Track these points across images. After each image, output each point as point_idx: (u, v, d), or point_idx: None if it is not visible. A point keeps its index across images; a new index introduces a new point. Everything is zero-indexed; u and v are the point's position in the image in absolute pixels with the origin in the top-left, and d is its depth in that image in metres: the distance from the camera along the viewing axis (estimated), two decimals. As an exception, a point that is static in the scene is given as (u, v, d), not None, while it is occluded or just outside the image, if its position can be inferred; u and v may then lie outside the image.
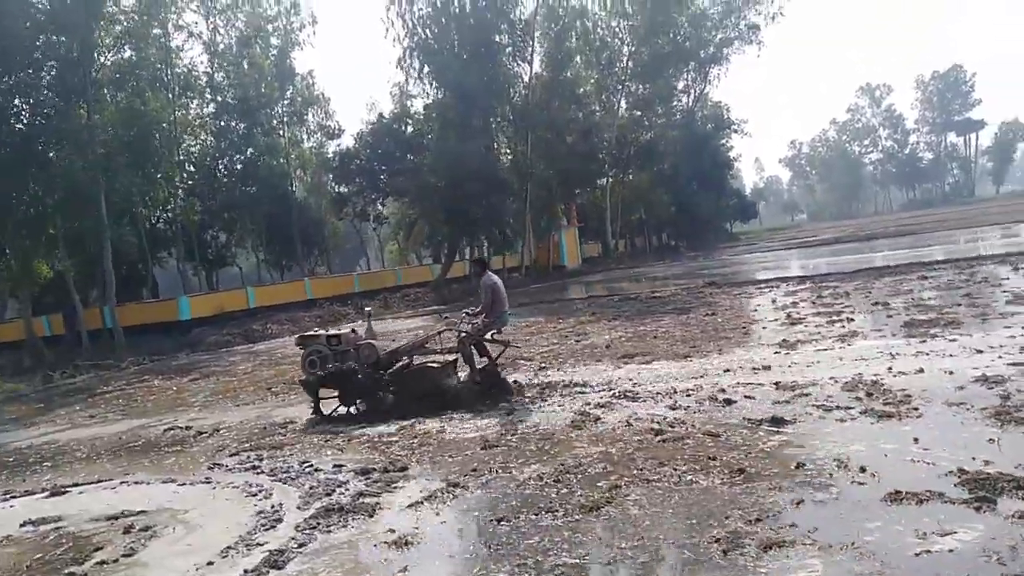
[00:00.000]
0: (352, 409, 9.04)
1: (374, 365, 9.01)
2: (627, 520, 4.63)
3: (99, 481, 7.59)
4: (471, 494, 5.56)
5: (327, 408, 9.10)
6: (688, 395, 7.76)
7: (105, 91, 24.52)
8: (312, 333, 9.86)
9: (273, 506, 5.88)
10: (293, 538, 5.09)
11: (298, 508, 5.77)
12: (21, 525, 6.29)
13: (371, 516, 5.35)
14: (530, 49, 38.87)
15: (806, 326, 11.66)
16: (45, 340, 25.34)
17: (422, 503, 5.47)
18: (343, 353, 9.12)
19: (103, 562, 5.12)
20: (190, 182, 36.58)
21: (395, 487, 5.96)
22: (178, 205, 34.56)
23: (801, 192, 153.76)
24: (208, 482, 6.97)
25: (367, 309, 10.52)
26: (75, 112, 22.48)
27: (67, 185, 21.70)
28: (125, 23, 25.73)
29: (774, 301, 15.61)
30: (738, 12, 51.99)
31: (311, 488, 6.23)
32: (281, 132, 38.95)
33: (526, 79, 39.41)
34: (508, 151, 39.48)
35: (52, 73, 23.38)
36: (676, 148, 52.38)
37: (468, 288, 34.59)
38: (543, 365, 11.05)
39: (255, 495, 6.32)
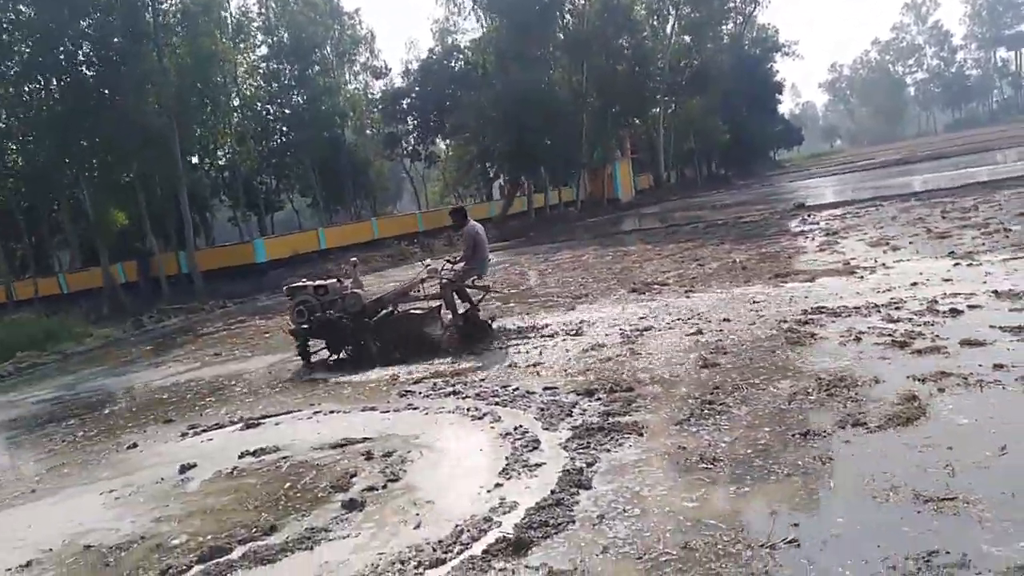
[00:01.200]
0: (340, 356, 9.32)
1: (359, 313, 9.19)
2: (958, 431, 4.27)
3: (288, 412, 7.42)
4: (738, 411, 5.22)
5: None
6: (897, 308, 7.31)
7: (173, 34, 24.00)
8: (300, 284, 9.84)
9: (517, 427, 5.62)
10: (572, 458, 4.81)
11: (545, 429, 5.50)
12: (240, 456, 6.13)
13: (641, 435, 5.05)
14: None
15: (960, 239, 11.08)
16: (120, 287, 25.48)
17: (689, 420, 5.16)
18: (330, 302, 9.27)
19: (372, 488, 4.90)
20: (239, 128, 36.19)
21: (637, 406, 5.65)
22: (233, 150, 34.31)
23: (838, 117, 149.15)
24: (415, 408, 6.74)
25: (352, 259, 10.50)
26: (147, 55, 22.02)
27: (143, 130, 21.42)
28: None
29: (894, 218, 14.96)
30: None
31: (541, 410, 5.96)
32: (332, 73, 38.05)
33: (579, 4, 38.04)
34: (562, 82, 38.32)
35: (118, 19, 22.91)
36: (726, 74, 50.59)
37: (527, 224, 34.21)
38: (689, 288, 10.64)
39: (480, 418, 6.08)
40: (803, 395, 5.23)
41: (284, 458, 5.93)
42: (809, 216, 18.45)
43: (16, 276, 29.90)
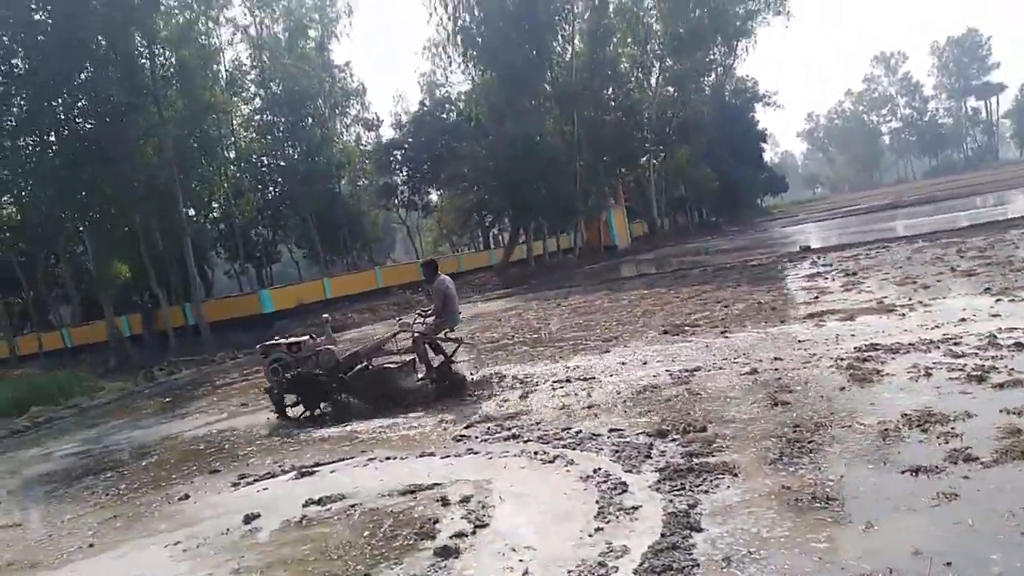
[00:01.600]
0: (315, 412, 9.43)
1: (334, 369, 9.30)
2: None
3: (340, 460, 7.23)
4: (831, 449, 5.11)
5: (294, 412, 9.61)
6: (955, 343, 7.29)
7: (170, 87, 24.19)
8: (273, 342, 10.05)
9: (596, 470, 5.48)
10: (670, 500, 4.69)
11: (628, 472, 5.37)
12: (305, 505, 5.93)
13: (735, 475, 4.93)
14: (571, 27, 38.32)
15: (988, 276, 11.18)
16: (125, 340, 25.12)
17: (780, 459, 5.05)
18: (304, 359, 9.42)
19: (461, 534, 4.73)
20: (235, 180, 36.30)
21: (719, 447, 5.54)
22: (229, 202, 34.33)
23: (817, 165, 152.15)
24: (475, 453, 6.58)
25: (324, 316, 10.83)
26: (147, 108, 22.14)
27: (146, 181, 21.40)
28: (182, 17, 25.41)
29: (909, 258, 15.12)
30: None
31: (616, 452, 5.83)
32: (326, 125, 38.38)
33: (567, 58, 38.85)
34: (554, 132, 38.91)
35: (116, 72, 23.08)
36: (711, 123, 51.63)
37: (527, 272, 34.27)
38: (724, 329, 10.61)
39: (551, 462, 5.94)
40: (895, 432, 5.15)
41: (353, 506, 5.73)
42: (819, 258, 18.60)
43: (16, 331, 29.36)
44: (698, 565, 3.77)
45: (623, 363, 9.48)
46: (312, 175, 35.58)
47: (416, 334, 9.49)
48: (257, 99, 36.92)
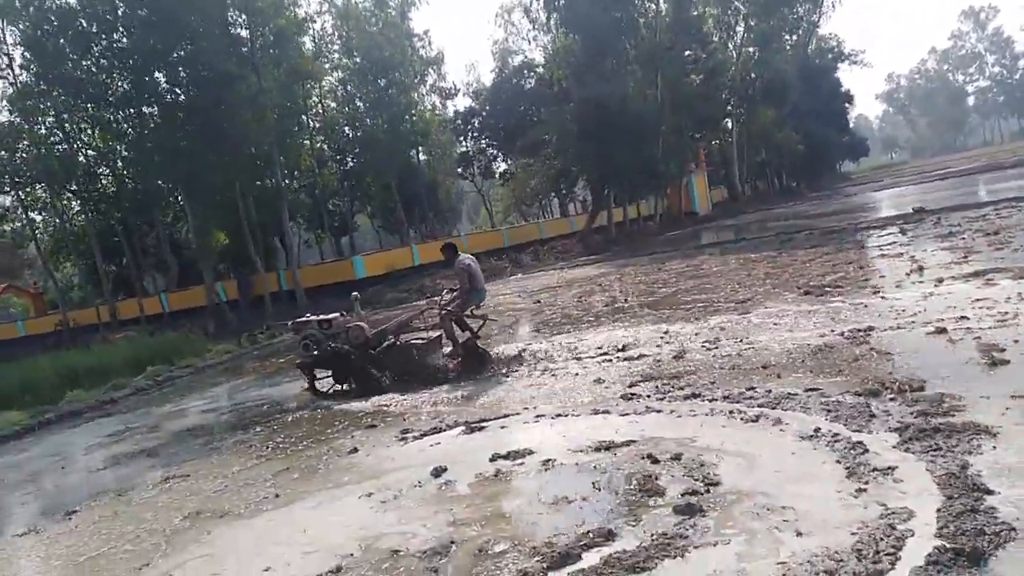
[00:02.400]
0: (345, 386, 9.72)
1: (363, 345, 9.56)
2: None
3: (505, 416, 7.01)
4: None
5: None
6: None
7: (268, 56, 24.34)
8: (304, 319, 10.23)
9: (816, 429, 5.10)
10: (931, 461, 4.27)
11: (856, 431, 4.96)
12: (491, 460, 5.73)
13: (992, 435, 4.48)
14: (656, -16, 37.08)
15: None
16: (223, 305, 25.72)
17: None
18: (334, 336, 9.65)
19: (693, 492, 4.40)
20: (320, 149, 36.59)
21: (954, 407, 5.07)
22: (313, 172, 34.67)
23: (895, 128, 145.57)
24: (658, 411, 6.24)
25: (354, 294, 10.78)
26: (249, 77, 22.30)
27: (248, 150, 21.66)
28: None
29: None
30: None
31: (828, 411, 5.43)
32: (408, 94, 38.14)
33: (651, 18, 37.64)
34: (639, 95, 37.88)
35: (216, 42, 23.31)
36: (795, 84, 49.55)
37: (609, 238, 33.71)
38: (876, 289, 10.00)
39: (754, 420, 5.58)
40: None
41: (547, 461, 5.49)
42: (940, 219, 17.55)
43: (114, 297, 30.45)
44: (1014, 529, 3.37)
45: (775, 323, 9.02)
46: (394, 145, 35.52)
47: (444, 311, 9.83)
48: (338, 70, 36.91)
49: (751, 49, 48.87)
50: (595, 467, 5.20)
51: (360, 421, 8.02)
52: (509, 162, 46.31)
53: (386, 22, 35.46)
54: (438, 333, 10.07)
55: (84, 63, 24.81)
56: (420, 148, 40.33)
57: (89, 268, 35.94)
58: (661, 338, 9.31)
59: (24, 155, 28.36)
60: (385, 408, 8.47)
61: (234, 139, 21.83)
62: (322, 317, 9.99)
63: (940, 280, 9.81)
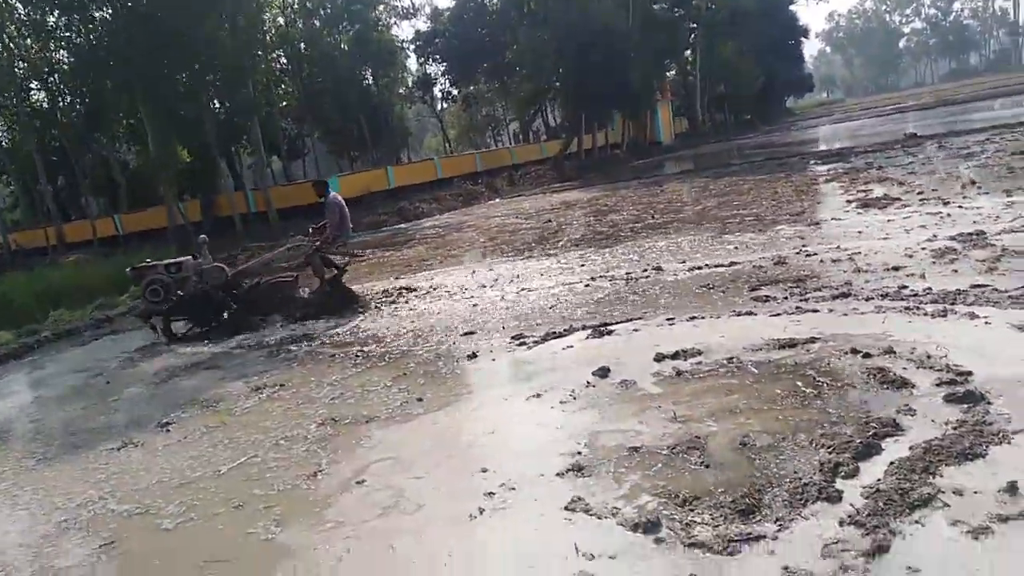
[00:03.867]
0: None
1: (224, 286, 9.32)
2: None
3: (630, 320, 6.53)
4: None
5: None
6: None
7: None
8: (146, 264, 9.54)
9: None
10: None
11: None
12: (657, 360, 5.26)
13: None
14: None
15: None
16: (181, 228, 24.13)
17: None
18: (183, 280, 9.17)
19: (946, 383, 4.07)
20: (275, 67, 34.24)
21: None
22: (268, 90, 32.50)
23: (829, 67, 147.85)
24: (815, 311, 5.87)
25: (202, 237, 10.40)
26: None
27: (226, 62, 19.90)
28: None
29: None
30: None
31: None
32: (371, 12, 35.76)
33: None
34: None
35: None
36: (756, 16, 49.17)
37: (585, 164, 33.18)
38: (947, 200, 9.85)
39: (941, 316, 5.25)
40: None
41: (730, 359, 5.05)
42: (943, 143, 17.64)
43: (53, 220, 28.22)
44: None
45: (859, 232, 8.76)
46: (354, 64, 33.55)
47: (311, 248, 9.69)
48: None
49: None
50: (795, 363, 4.80)
51: (456, 328, 7.39)
52: (472, 87, 44.68)
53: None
54: (299, 273, 9.98)
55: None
56: (379, 70, 38.28)
57: (23, 189, 33.30)
58: (738, 248, 8.93)
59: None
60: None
61: (199, 44, 20.01)
62: (169, 261, 9.40)
63: (1008, 192, 9.70)
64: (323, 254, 9.63)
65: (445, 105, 46.98)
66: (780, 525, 2.97)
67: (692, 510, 3.19)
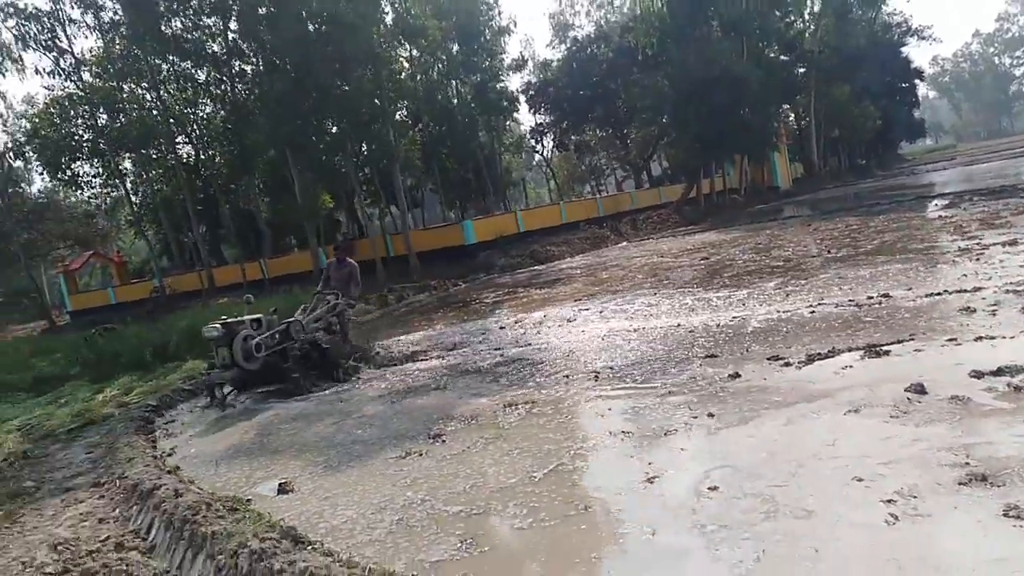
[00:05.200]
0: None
1: (308, 340, 9.08)
2: None
3: (900, 341, 6.14)
4: None
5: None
6: None
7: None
8: (234, 319, 8.62)
9: None
10: None
11: None
12: (974, 376, 4.90)
13: None
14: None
15: None
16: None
17: None
18: (276, 335, 8.69)
19: None
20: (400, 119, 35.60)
21: None
22: (395, 140, 33.78)
23: (935, 112, 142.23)
24: None
25: (247, 297, 9.83)
26: (366, 29, 21.35)
27: (365, 109, 20.83)
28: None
29: None
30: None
31: None
32: (487, 64, 36.82)
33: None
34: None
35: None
36: (868, 59, 47.97)
37: (705, 208, 32.77)
38: None
39: None
40: None
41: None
42: None
43: (189, 267, 29.87)
44: None
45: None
46: (476, 115, 34.47)
47: (343, 307, 10.01)
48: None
49: (825, 20, 47.44)
50: None
51: (704, 349, 7.19)
52: (587, 134, 45.17)
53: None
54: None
55: (178, 19, 24.25)
56: (495, 120, 39.18)
57: (166, 238, 35.57)
58: (967, 275, 8.41)
59: (119, 121, 27.84)
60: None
61: (346, 96, 21.00)
62: (248, 317, 8.59)
63: None
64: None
65: (549, 155, 47.56)
66: None
67: None
